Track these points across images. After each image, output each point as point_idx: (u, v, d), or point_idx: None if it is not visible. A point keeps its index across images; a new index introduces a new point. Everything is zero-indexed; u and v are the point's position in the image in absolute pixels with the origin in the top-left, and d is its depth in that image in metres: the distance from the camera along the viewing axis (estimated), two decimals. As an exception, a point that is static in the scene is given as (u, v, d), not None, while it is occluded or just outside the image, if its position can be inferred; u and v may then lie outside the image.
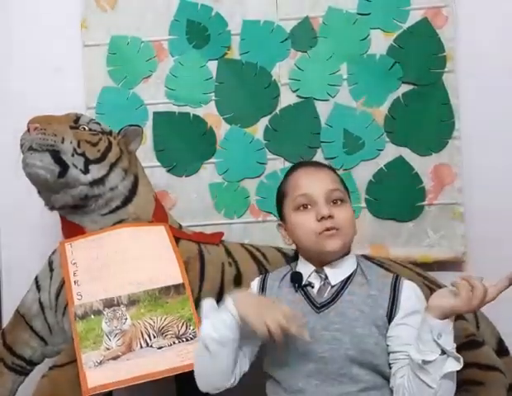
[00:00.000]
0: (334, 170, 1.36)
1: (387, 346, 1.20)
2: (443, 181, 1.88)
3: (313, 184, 1.27)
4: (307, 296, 1.25)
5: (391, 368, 1.20)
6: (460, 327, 1.47)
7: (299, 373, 1.21)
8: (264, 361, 1.29)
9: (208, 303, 1.23)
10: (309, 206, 1.25)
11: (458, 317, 1.48)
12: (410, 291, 1.24)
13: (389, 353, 1.20)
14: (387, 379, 1.21)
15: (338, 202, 1.26)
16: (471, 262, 1.90)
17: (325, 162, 1.38)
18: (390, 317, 1.20)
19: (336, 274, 1.26)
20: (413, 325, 1.17)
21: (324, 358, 1.19)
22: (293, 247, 1.36)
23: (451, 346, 1.09)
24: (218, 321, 1.17)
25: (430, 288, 1.54)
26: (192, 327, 1.42)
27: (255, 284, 1.34)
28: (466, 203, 1.88)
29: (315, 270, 1.27)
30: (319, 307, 1.23)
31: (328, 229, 1.23)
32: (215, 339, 1.17)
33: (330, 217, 1.23)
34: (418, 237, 1.88)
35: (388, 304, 1.21)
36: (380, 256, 1.65)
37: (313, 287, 1.26)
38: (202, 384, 1.24)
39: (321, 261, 1.27)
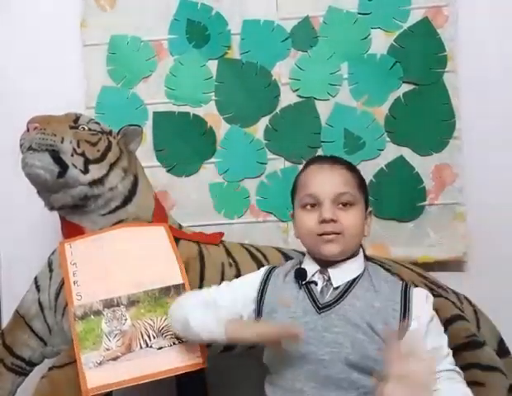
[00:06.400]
0: (352, 168, 1.30)
1: None
2: (444, 181, 1.88)
3: (322, 184, 1.24)
4: (310, 294, 1.23)
5: None
6: (461, 327, 1.46)
7: (297, 373, 1.19)
8: (264, 354, 1.28)
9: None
10: (316, 206, 1.23)
11: (459, 317, 1.49)
12: (420, 300, 1.21)
13: None
14: None
15: (347, 206, 1.23)
16: (471, 262, 1.89)
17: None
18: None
19: (340, 276, 1.23)
20: (435, 333, 1.18)
21: (323, 361, 1.17)
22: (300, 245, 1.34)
23: None
24: (208, 330, 1.21)
25: (431, 288, 1.54)
26: (191, 328, 1.41)
27: (261, 273, 1.32)
28: (467, 203, 1.87)
29: (319, 270, 1.25)
30: (320, 307, 1.21)
31: (328, 233, 1.21)
32: (198, 336, 1.24)
33: (333, 221, 1.20)
34: (418, 237, 1.87)
35: (400, 316, 1.18)
36: (380, 257, 1.64)
37: (317, 285, 1.24)
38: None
39: (324, 262, 1.25)
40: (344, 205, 1.23)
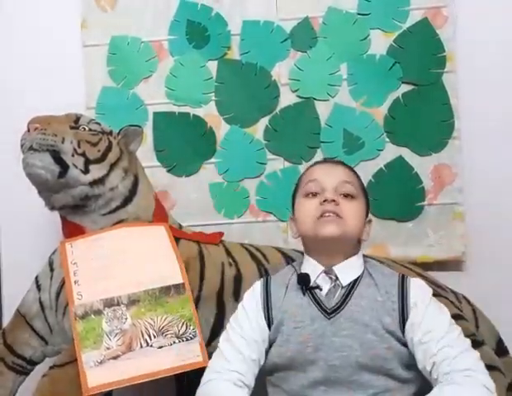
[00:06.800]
0: (355, 171, 1.33)
1: (422, 347, 1.15)
2: (443, 181, 1.88)
3: (326, 173, 1.26)
4: (315, 300, 1.21)
5: (412, 370, 1.18)
6: (460, 326, 1.47)
7: (306, 379, 1.18)
8: (266, 361, 1.26)
9: None
10: (318, 194, 1.24)
11: (458, 316, 1.49)
12: (417, 289, 1.22)
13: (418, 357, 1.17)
14: (402, 381, 1.18)
15: (349, 197, 1.24)
16: (470, 262, 1.90)
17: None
18: (403, 319, 1.18)
19: (346, 274, 1.22)
20: (430, 317, 1.17)
21: (333, 366, 1.16)
22: (300, 245, 1.34)
23: None
24: None
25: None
26: (192, 327, 1.42)
27: (257, 290, 1.29)
28: (465, 203, 1.88)
29: (324, 270, 1.23)
30: (329, 312, 1.19)
31: (328, 214, 1.20)
32: None
33: (334, 201, 1.20)
34: (418, 237, 1.88)
35: (398, 306, 1.18)
36: (380, 257, 1.64)
37: (321, 290, 1.22)
38: None
39: (327, 259, 1.23)
40: (346, 196, 1.24)
